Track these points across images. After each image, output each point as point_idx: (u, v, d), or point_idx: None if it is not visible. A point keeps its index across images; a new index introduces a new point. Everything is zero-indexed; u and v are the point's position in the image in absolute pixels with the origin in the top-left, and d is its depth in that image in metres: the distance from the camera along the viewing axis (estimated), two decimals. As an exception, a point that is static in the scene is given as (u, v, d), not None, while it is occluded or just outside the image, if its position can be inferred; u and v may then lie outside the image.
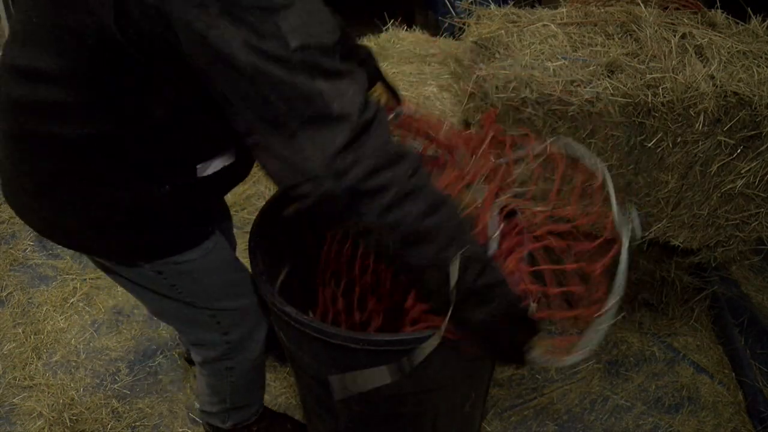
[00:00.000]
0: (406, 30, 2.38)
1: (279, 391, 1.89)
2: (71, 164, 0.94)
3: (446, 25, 2.91)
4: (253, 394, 1.59)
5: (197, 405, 1.66)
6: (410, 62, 2.06)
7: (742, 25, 1.74)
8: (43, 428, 1.77)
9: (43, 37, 0.86)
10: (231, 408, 1.56)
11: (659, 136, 1.53)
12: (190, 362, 1.94)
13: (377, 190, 0.77)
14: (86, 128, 0.89)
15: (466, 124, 1.70)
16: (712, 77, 1.49)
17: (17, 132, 0.96)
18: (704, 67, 1.52)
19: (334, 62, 0.77)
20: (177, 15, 0.73)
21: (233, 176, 1.17)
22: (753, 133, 1.51)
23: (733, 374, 1.93)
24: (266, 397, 1.86)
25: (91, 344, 2.05)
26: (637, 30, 1.67)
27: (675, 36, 1.64)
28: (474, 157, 1.16)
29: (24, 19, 0.89)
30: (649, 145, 1.54)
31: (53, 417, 1.79)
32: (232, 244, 1.60)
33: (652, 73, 1.49)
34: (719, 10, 1.79)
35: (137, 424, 1.80)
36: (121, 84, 0.86)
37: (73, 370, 1.97)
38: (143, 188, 0.98)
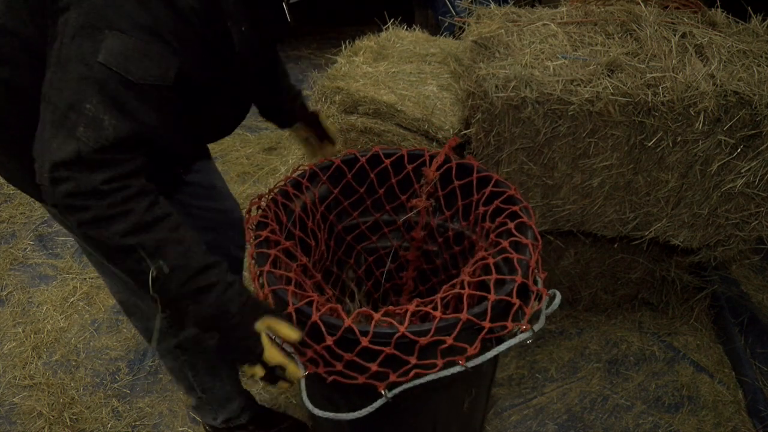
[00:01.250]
0: (406, 29, 2.38)
1: (279, 390, 1.89)
2: (19, 109, 1.03)
3: (446, 24, 2.91)
4: (222, 381, 1.59)
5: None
6: (410, 61, 2.06)
7: (742, 24, 1.74)
8: (44, 427, 1.77)
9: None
10: (207, 399, 1.59)
11: (659, 135, 1.53)
12: None
13: (77, 208, 0.90)
14: (31, 77, 0.98)
15: (467, 124, 1.70)
16: (713, 76, 1.49)
17: None
18: (704, 66, 1.52)
19: (125, 98, 0.89)
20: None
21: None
22: (753, 132, 1.50)
23: (733, 373, 1.93)
24: (266, 396, 1.87)
25: (91, 343, 2.06)
26: (637, 29, 1.67)
27: (675, 35, 1.64)
28: None
29: None
30: (649, 144, 1.54)
31: (53, 416, 1.80)
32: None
33: (652, 73, 1.49)
34: (719, 10, 1.79)
35: (137, 423, 1.80)
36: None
37: (73, 369, 1.97)
38: None
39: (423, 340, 1.02)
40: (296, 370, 1.05)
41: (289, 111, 1.52)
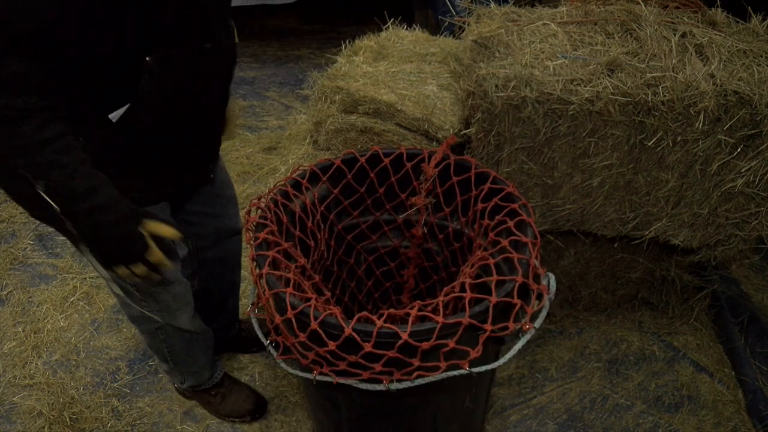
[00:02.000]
0: (406, 29, 2.38)
1: (277, 391, 1.89)
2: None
3: (446, 24, 2.91)
4: (197, 361, 1.71)
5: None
6: (410, 61, 2.06)
7: (742, 23, 1.74)
8: (44, 427, 1.77)
9: None
10: (180, 369, 1.71)
11: (659, 135, 1.53)
12: None
13: None
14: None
15: (466, 123, 1.70)
16: (713, 76, 1.49)
17: None
18: (704, 65, 1.52)
19: None
20: None
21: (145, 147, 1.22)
22: (753, 131, 1.50)
23: (733, 373, 1.93)
24: (265, 397, 1.87)
25: (91, 343, 2.06)
26: (637, 29, 1.67)
27: (675, 35, 1.63)
28: None
29: None
30: (649, 144, 1.54)
31: (53, 416, 1.80)
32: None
33: (652, 72, 1.49)
34: (719, 9, 1.79)
35: (137, 422, 1.80)
36: None
37: (73, 368, 1.97)
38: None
39: (425, 345, 1.02)
40: (170, 265, 1.14)
41: None
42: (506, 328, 1.05)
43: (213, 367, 1.79)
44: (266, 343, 1.20)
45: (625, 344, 2.03)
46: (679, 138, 1.54)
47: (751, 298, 2.12)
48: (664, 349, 2.01)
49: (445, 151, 1.46)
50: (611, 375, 1.93)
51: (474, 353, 1.04)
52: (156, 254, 1.11)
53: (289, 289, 1.10)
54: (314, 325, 1.04)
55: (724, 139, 1.52)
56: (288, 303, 1.08)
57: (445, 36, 2.59)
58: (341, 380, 1.09)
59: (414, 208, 1.52)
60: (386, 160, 1.48)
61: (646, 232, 1.75)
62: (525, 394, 1.87)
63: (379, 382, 1.08)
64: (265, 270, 1.15)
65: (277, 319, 1.12)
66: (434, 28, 3.22)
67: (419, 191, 1.50)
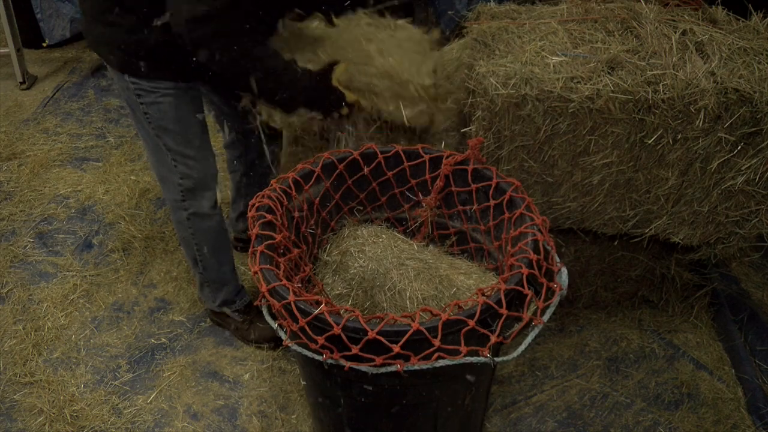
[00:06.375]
0: (406, 27, 2.37)
1: (277, 389, 1.89)
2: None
3: (446, 18, 2.90)
4: (220, 261, 1.92)
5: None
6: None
7: (742, 21, 1.74)
8: (44, 425, 1.78)
9: None
10: (207, 277, 1.93)
11: (659, 132, 1.53)
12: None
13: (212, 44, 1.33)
14: None
15: (466, 122, 1.69)
16: (713, 74, 1.49)
17: None
18: (705, 63, 1.52)
19: None
20: None
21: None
22: (753, 129, 1.50)
23: (733, 371, 1.93)
24: (265, 395, 1.87)
25: (91, 341, 2.06)
26: (637, 26, 1.67)
27: (675, 32, 1.63)
28: None
29: None
30: (650, 141, 1.54)
31: (54, 413, 1.80)
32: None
33: (652, 70, 1.49)
34: (720, 7, 1.78)
35: (137, 419, 1.80)
36: None
37: (73, 366, 1.97)
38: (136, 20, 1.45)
39: (444, 317, 1.05)
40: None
41: None
42: (521, 318, 1.09)
43: (237, 284, 1.99)
44: (274, 325, 1.19)
45: (624, 342, 2.03)
46: (679, 136, 1.54)
47: (750, 295, 2.12)
48: (664, 347, 2.02)
49: (476, 156, 1.46)
50: (611, 373, 1.93)
51: (494, 337, 1.07)
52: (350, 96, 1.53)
53: (291, 287, 1.11)
54: (337, 329, 1.05)
55: (725, 137, 1.52)
56: (290, 302, 1.08)
57: (446, 32, 2.58)
58: (353, 365, 1.08)
59: (419, 221, 1.54)
60: (381, 157, 1.49)
61: (646, 230, 1.75)
62: (525, 392, 1.87)
63: (393, 366, 1.07)
64: (265, 267, 1.16)
65: (297, 324, 1.12)
66: (435, 26, 3.21)
67: (424, 203, 1.52)
